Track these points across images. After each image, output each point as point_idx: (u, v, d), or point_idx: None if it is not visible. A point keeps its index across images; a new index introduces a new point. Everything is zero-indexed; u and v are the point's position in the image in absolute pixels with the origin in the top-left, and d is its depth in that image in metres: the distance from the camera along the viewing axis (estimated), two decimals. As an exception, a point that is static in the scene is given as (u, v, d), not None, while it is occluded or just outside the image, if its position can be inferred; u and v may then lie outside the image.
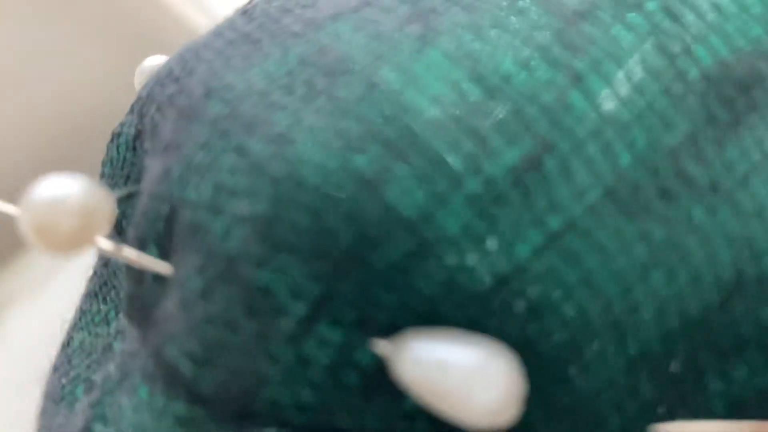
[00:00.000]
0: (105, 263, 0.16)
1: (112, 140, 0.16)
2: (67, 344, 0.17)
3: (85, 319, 0.16)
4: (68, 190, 0.11)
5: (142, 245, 0.12)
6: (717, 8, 0.10)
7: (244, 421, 0.11)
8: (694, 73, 0.10)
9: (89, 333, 0.16)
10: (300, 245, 0.10)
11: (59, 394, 0.16)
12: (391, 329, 0.11)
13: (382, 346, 0.11)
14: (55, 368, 0.17)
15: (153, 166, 0.13)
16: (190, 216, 0.11)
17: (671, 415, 0.11)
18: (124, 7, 0.45)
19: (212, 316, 0.11)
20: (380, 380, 0.11)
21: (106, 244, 0.12)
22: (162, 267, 0.12)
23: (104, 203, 0.11)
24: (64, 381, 0.16)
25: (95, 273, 0.16)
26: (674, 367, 0.10)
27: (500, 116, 0.10)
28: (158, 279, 0.12)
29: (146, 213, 0.12)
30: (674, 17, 0.10)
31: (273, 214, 0.10)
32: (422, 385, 0.10)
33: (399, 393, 0.11)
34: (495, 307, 0.10)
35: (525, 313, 0.10)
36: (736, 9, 0.10)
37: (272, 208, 0.10)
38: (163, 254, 0.12)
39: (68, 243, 0.11)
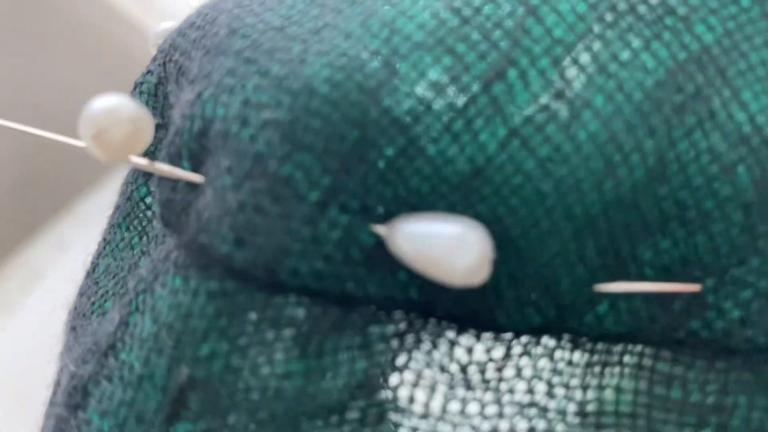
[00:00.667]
0: (128, 197, 0.18)
1: (134, 89, 0.18)
2: (92, 271, 0.19)
3: (109, 247, 0.18)
4: (120, 103, 0.13)
5: (176, 160, 0.15)
6: None
7: (270, 289, 0.13)
8: (622, 6, 0.13)
9: (114, 258, 0.18)
10: (314, 144, 0.13)
11: (89, 310, 0.18)
12: (388, 215, 0.13)
13: (380, 229, 0.13)
14: (81, 293, 0.19)
15: (182, 97, 0.15)
16: (221, 127, 0.14)
17: (612, 279, 0.13)
18: (96, 27, 0.47)
19: (243, 204, 0.13)
20: (380, 255, 0.13)
21: (142, 161, 0.15)
22: (194, 177, 0.14)
23: (148, 115, 0.14)
24: (93, 299, 0.18)
25: (117, 207, 0.19)
26: (612, 239, 0.13)
27: (473, 38, 0.13)
28: (190, 186, 0.14)
29: (180, 131, 0.14)
30: None
31: (292, 119, 0.13)
32: (414, 254, 0.13)
33: (395, 266, 0.13)
34: (471, 193, 0.13)
35: (494, 196, 0.13)
36: None
37: (291, 115, 0.13)
38: (194, 168, 0.15)
39: (121, 147, 0.13)
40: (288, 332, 0.13)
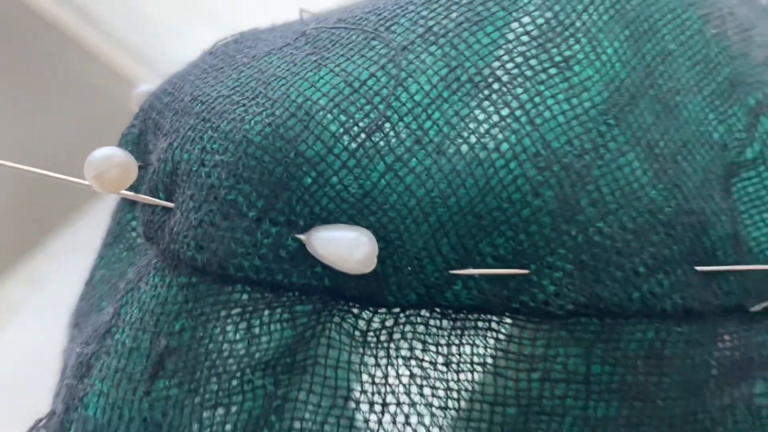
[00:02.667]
0: (118, 222, 0.24)
1: (121, 138, 0.23)
2: (90, 280, 0.24)
3: (103, 261, 0.24)
4: (113, 153, 0.19)
5: (154, 192, 0.20)
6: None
7: (223, 280, 0.18)
8: (464, 77, 0.19)
9: (107, 269, 0.23)
10: (251, 177, 0.18)
11: (89, 309, 0.23)
12: (306, 226, 0.19)
13: (300, 236, 0.19)
14: (82, 298, 0.24)
15: (158, 145, 0.21)
16: (186, 168, 0.19)
17: (463, 266, 0.19)
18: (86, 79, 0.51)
19: (202, 221, 0.18)
20: (301, 255, 0.18)
21: (130, 193, 0.20)
22: (167, 204, 0.20)
23: (133, 161, 0.19)
24: (91, 301, 0.23)
25: (109, 230, 0.24)
26: (459, 237, 0.18)
27: (360, 102, 0.18)
28: (164, 210, 0.20)
29: (157, 171, 0.20)
30: (454, 46, 0.19)
31: (235, 160, 0.18)
32: (325, 253, 0.18)
33: (312, 262, 0.19)
34: (363, 209, 0.18)
35: (378, 211, 0.18)
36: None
37: (234, 157, 0.18)
38: (167, 197, 0.20)
39: (114, 184, 0.19)
40: (236, 311, 0.18)
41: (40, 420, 0.21)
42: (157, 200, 0.20)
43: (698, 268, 0.20)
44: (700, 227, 0.20)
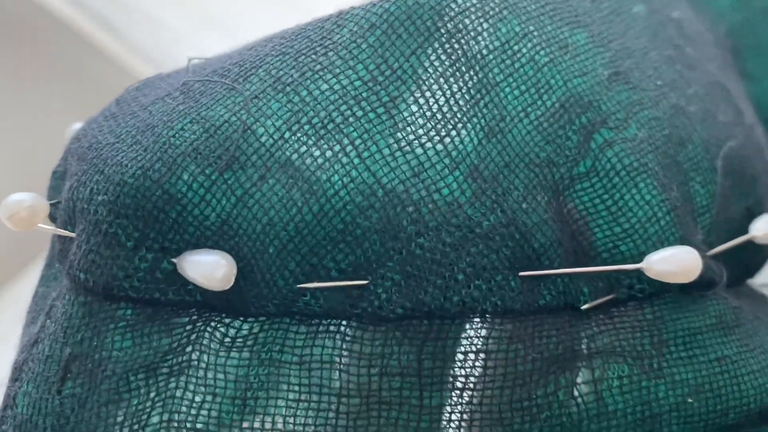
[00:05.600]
0: (52, 247, 0.28)
1: (51, 175, 0.28)
2: (34, 296, 0.28)
3: (43, 280, 0.28)
4: (23, 197, 0.23)
5: (64, 224, 0.24)
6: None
7: (111, 299, 0.22)
8: (303, 120, 0.22)
9: (45, 287, 0.28)
10: (128, 213, 0.22)
11: (30, 321, 0.27)
12: (178, 251, 0.22)
13: (174, 260, 0.22)
14: (28, 311, 0.28)
15: (65, 186, 0.25)
16: (79, 206, 0.23)
17: (309, 280, 0.22)
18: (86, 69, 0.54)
19: (91, 250, 0.22)
20: (175, 275, 0.22)
21: (45, 226, 0.24)
22: (71, 234, 0.24)
23: (42, 204, 0.23)
24: (32, 314, 0.27)
25: (49, 253, 0.28)
26: (302, 256, 0.22)
27: (213, 145, 0.22)
28: (70, 239, 0.24)
29: (63, 208, 0.24)
30: (297, 93, 0.22)
31: (114, 199, 0.22)
32: (193, 274, 0.22)
33: (185, 281, 0.22)
34: (222, 234, 0.22)
35: (235, 236, 0.22)
36: None
37: (114, 197, 0.22)
38: (72, 229, 0.24)
39: (25, 223, 0.23)
40: (121, 324, 0.22)
41: (-7, 417, 0.26)
42: (63, 231, 0.24)
43: (521, 273, 0.23)
44: (521, 237, 0.23)
